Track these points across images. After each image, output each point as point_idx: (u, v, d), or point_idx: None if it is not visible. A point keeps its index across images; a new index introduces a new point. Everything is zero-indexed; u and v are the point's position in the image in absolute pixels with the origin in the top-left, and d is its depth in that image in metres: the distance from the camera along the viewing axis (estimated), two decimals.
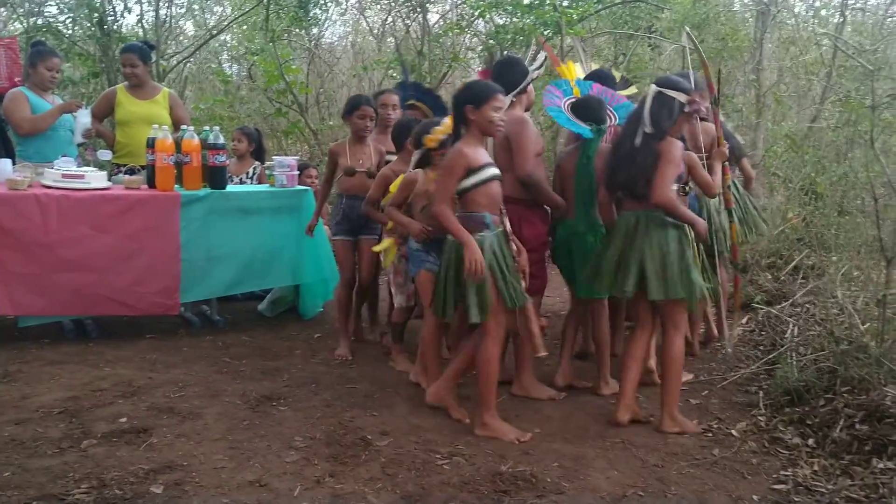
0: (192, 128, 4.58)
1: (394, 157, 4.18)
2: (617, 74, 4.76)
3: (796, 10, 9.49)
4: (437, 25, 9.30)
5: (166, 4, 9.20)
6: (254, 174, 5.45)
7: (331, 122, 9.06)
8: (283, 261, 4.67)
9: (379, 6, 10.61)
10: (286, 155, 6.34)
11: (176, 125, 4.87)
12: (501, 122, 3.19)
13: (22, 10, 8.44)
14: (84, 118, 4.73)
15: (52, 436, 3.05)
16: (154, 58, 5.73)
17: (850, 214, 5.66)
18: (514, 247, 3.31)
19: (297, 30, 9.16)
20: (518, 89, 3.72)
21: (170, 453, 2.94)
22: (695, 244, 3.39)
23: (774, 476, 2.98)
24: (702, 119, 3.81)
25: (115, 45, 8.00)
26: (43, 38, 8.11)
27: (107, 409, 3.35)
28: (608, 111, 3.83)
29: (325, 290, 5.01)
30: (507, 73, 3.73)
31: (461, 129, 3.24)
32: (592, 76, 4.24)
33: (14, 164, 4.80)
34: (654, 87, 3.33)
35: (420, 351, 3.77)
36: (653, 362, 3.91)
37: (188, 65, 10.10)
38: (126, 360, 4.05)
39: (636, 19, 8.07)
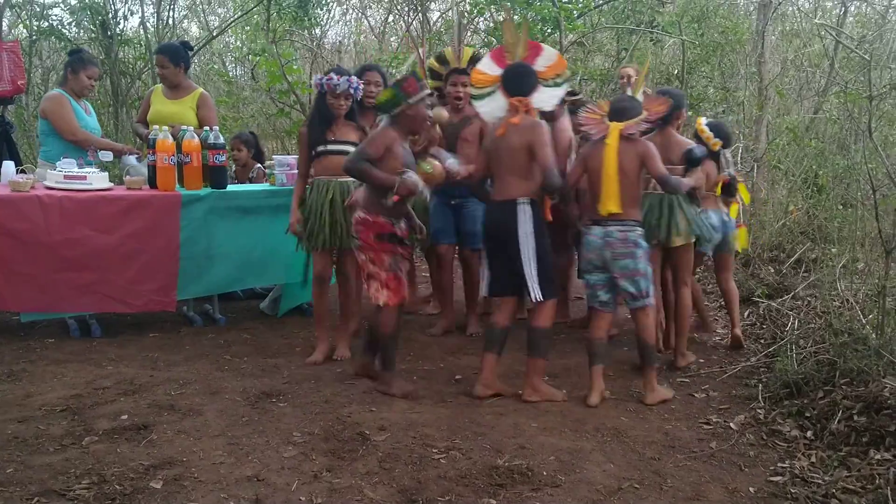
0: (192, 129, 4.60)
1: None
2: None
3: (800, 1, 9.46)
4: (437, 23, 9.30)
5: (169, 6, 9.24)
6: (253, 175, 5.49)
7: None
8: (281, 258, 4.69)
9: (380, 5, 10.64)
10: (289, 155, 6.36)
11: (202, 126, 4.87)
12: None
13: (25, 13, 8.50)
14: (131, 161, 4.86)
15: (54, 433, 3.09)
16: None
17: (853, 206, 5.64)
18: None
19: (299, 30, 9.18)
20: None
21: (170, 449, 2.97)
22: None
23: (772, 468, 2.99)
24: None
25: (118, 47, 8.05)
26: (46, 41, 8.21)
27: (109, 407, 3.38)
28: None
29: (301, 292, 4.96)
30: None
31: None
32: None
33: (19, 165, 4.87)
34: None
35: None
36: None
37: (191, 66, 10.14)
38: (129, 358, 4.09)
39: (638, 14, 8.05)
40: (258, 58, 8.37)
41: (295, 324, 4.87)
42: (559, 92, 3.67)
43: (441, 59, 4.62)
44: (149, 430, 3.14)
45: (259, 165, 5.56)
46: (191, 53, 5.17)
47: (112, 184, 4.52)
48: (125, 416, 3.27)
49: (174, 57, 4.89)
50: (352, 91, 4.01)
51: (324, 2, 9.15)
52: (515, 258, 3.52)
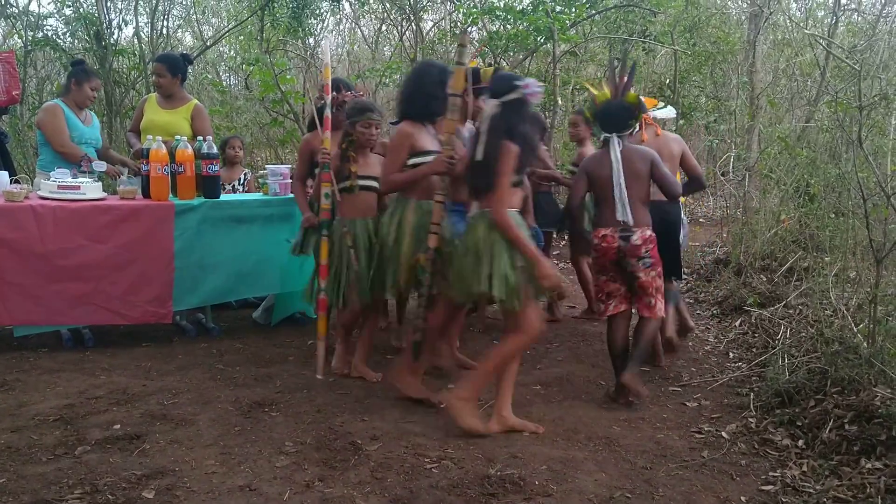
0: (185, 139, 4.61)
1: None
2: None
3: (791, 11, 9.52)
4: (430, 33, 9.34)
5: (163, 16, 9.27)
6: (244, 181, 5.51)
7: None
8: (274, 268, 4.69)
9: (373, 15, 10.69)
10: (282, 164, 6.39)
11: (196, 136, 4.86)
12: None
13: (20, 23, 8.52)
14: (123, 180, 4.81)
15: (46, 443, 3.08)
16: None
17: (844, 215, 5.68)
18: None
19: (294, 40, 9.22)
20: None
21: (162, 459, 2.97)
22: None
23: (763, 477, 2.99)
24: None
25: (112, 57, 8.07)
26: (42, 51, 8.23)
27: (101, 417, 3.38)
28: None
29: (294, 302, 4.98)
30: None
31: None
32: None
33: (13, 175, 4.87)
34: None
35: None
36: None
37: (187, 79, 10.16)
38: (121, 367, 4.09)
39: (630, 24, 8.11)
40: (252, 67, 8.40)
41: (288, 333, 4.87)
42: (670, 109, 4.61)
43: (477, 76, 3.92)
44: (141, 439, 3.14)
45: (248, 171, 5.60)
46: (189, 67, 5.17)
47: (106, 193, 4.52)
48: (118, 426, 3.27)
49: (172, 67, 4.91)
50: None
51: (317, 12, 9.19)
52: (673, 247, 4.16)
